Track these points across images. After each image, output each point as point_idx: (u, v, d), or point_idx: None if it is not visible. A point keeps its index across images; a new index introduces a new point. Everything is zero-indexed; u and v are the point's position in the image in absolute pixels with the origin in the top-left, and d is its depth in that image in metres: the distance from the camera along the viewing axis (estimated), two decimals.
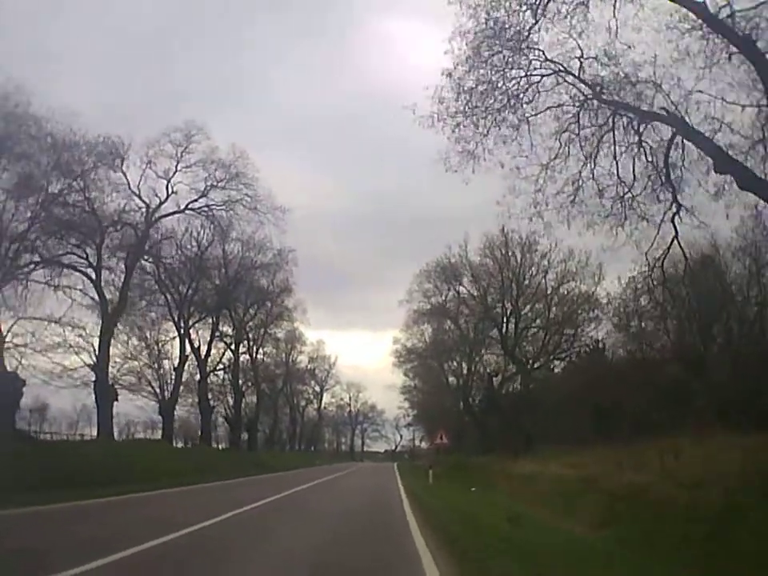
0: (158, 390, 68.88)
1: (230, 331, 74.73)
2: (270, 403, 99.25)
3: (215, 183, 55.36)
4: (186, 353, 63.66)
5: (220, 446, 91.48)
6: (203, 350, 68.54)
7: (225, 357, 76.24)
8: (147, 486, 31.17)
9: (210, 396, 73.37)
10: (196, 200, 55.79)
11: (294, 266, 70.20)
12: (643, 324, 52.22)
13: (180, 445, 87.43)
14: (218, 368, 74.89)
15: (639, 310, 52.73)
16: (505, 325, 58.54)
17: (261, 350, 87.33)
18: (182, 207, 55.71)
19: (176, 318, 62.91)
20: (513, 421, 54.31)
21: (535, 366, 59.85)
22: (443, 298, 71.54)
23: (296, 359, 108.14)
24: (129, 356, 64.12)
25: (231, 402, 79.12)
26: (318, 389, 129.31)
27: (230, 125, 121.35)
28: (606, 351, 57.39)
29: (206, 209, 56.65)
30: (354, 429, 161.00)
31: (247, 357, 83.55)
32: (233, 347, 76.09)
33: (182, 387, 69.80)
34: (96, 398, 48.54)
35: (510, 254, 57.82)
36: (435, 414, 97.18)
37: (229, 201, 56.35)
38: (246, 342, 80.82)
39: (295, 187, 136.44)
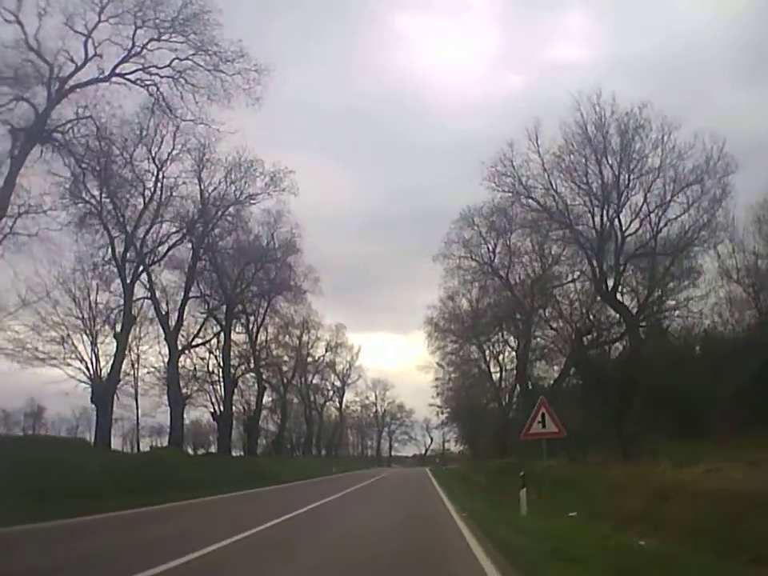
0: (90, 368, 46.95)
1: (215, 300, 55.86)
2: (278, 399, 79.45)
3: (156, 35, 35.25)
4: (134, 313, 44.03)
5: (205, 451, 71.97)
6: (173, 318, 49.20)
7: (207, 330, 56.53)
8: None
9: (187, 386, 54.60)
10: (127, 59, 35.76)
11: (292, 194, 50.28)
12: None
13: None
14: (194, 343, 54.72)
15: None
16: (596, 255, 36.66)
17: (264, 331, 67.12)
18: (108, 72, 35.64)
19: (118, 257, 43.16)
20: (620, 402, 33.38)
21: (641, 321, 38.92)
22: (491, 248, 52.85)
23: (311, 345, 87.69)
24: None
25: (222, 393, 58.96)
26: (338, 383, 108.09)
27: (256, 123, 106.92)
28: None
29: (143, 74, 36.53)
30: (381, 431, 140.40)
31: (244, 337, 63.78)
32: (223, 322, 56.62)
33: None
34: None
35: (607, 142, 36.07)
36: (474, 410, 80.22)
37: (176, 59, 36.16)
38: (242, 316, 61.48)
39: (320, 188, 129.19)
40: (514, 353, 62.27)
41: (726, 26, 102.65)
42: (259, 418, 69.18)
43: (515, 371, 63.52)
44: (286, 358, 77.36)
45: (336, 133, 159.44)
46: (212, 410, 60.70)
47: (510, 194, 39.16)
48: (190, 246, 49.65)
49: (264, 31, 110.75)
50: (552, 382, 50.11)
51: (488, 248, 52.76)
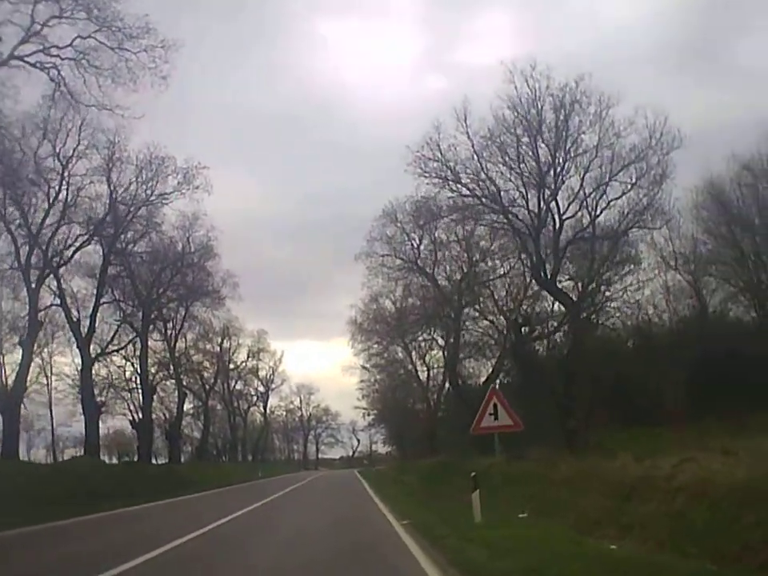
0: None
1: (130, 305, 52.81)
2: (200, 406, 76.17)
3: (57, 11, 32.17)
4: (41, 319, 41.18)
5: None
6: (86, 326, 46.15)
7: (122, 337, 53.55)
8: None
9: (102, 394, 51.63)
10: (26, 39, 32.61)
11: (206, 192, 46.98)
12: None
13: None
14: (108, 350, 51.79)
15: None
16: (533, 239, 34.23)
17: (183, 338, 64.53)
18: (6, 55, 32.44)
19: (22, 261, 40.35)
20: (562, 394, 31.45)
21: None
22: (416, 245, 50.22)
23: (232, 352, 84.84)
24: None
25: (141, 401, 56.01)
26: (262, 389, 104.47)
27: (159, 126, 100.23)
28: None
29: (43, 56, 33.48)
30: (307, 434, 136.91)
31: (162, 344, 60.82)
32: (139, 329, 53.50)
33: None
34: None
35: (541, 119, 33.54)
36: (401, 411, 79.35)
37: (79, 38, 33.07)
38: (159, 323, 58.55)
39: (232, 192, 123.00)
40: (441, 352, 61.04)
41: (650, 22, 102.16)
42: (180, 424, 66.42)
43: (443, 370, 62.01)
44: (207, 365, 74.67)
45: (257, 137, 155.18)
46: (131, 418, 57.68)
47: (438, 180, 36.04)
48: (100, 251, 46.92)
49: (184, 34, 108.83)
50: (485, 378, 48.34)
51: (412, 244, 50.18)
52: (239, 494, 38.65)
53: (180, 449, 69.30)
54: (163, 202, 46.89)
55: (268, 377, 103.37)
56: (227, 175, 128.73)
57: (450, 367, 51.37)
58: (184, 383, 64.97)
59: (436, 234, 48.13)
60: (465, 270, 47.33)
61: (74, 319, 45.73)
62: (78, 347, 45.96)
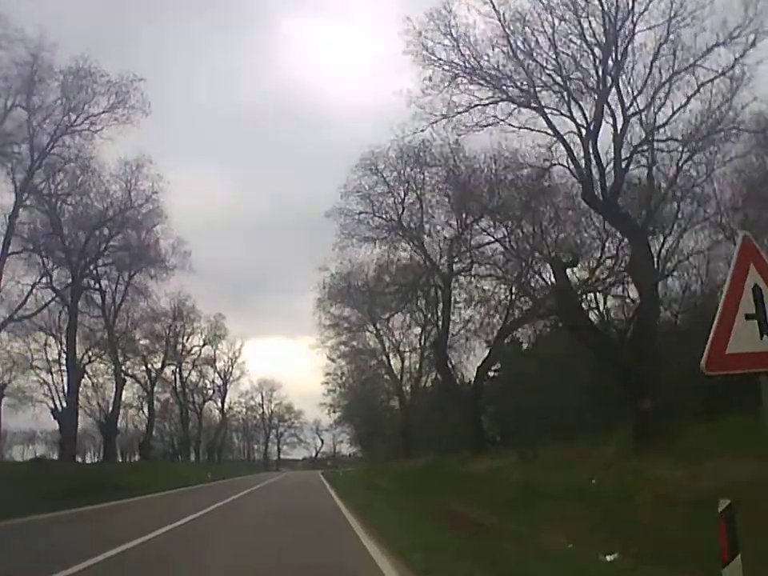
0: None
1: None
2: (146, 396, 66.48)
3: None
4: None
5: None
6: None
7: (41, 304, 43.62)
8: None
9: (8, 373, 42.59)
10: None
11: (143, 112, 38.92)
12: None
13: None
14: (17, 316, 41.49)
15: None
16: (590, 141, 23.96)
17: (126, 315, 54.28)
18: None
19: None
20: (633, 365, 21.30)
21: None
22: (400, 199, 41.11)
23: (186, 337, 74.65)
24: None
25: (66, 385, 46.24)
26: (219, 381, 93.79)
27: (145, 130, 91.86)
28: None
29: None
30: (268, 433, 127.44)
31: (96, 321, 50.75)
32: (67, 296, 43.91)
33: None
34: None
35: None
36: (371, 407, 74.29)
37: None
38: (95, 294, 49.01)
39: (196, 192, 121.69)
40: (419, 339, 54.02)
41: None
42: (117, 416, 56.25)
43: (420, 360, 56.41)
44: (153, 348, 64.40)
45: (224, 139, 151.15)
46: (52, 406, 47.84)
47: (451, 68, 25.41)
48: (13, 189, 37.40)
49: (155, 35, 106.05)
50: (479, 364, 39.13)
51: (395, 199, 41.19)
52: (152, 508, 28.35)
53: (115, 445, 59.91)
54: (93, 129, 37.78)
55: (226, 368, 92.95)
56: (191, 174, 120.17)
57: (439, 349, 41.99)
58: (124, 368, 55.04)
59: (423, 191, 39.77)
60: (459, 230, 38.51)
61: None
62: None
